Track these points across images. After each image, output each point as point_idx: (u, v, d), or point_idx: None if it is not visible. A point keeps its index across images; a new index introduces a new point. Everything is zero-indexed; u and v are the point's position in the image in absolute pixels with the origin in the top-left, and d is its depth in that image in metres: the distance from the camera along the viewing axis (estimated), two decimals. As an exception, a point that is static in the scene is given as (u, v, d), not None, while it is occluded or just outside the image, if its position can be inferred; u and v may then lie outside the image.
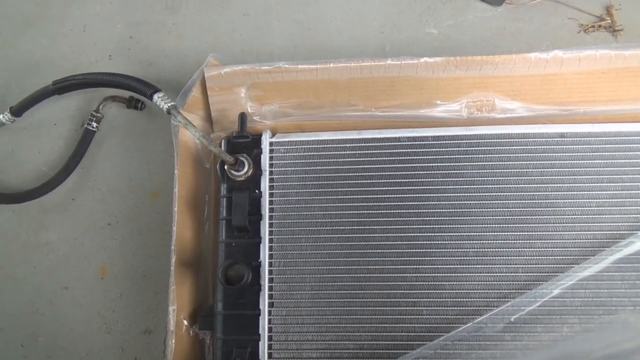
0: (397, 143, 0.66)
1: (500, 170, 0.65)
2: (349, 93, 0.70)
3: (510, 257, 0.62)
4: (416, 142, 0.66)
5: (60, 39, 0.88)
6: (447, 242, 0.63)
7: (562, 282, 0.60)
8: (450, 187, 0.65)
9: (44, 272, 0.77)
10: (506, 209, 0.63)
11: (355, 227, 0.65)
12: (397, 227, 0.64)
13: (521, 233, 0.63)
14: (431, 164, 0.65)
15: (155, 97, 0.69)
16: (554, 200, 0.63)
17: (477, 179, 0.65)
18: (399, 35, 0.84)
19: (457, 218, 0.64)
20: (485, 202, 0.64)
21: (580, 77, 0.67)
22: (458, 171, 0.65)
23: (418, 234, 0.64)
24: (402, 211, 0.64)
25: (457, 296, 0.62)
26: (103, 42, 0.87)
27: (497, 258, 0.62)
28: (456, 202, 0.64)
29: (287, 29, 0.86)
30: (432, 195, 0.65)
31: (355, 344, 0.62)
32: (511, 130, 0.66)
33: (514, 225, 0.63)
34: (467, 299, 0.62)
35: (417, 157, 0.66)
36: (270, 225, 0.65)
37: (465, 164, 0.65)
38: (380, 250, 0.64)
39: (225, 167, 0.67)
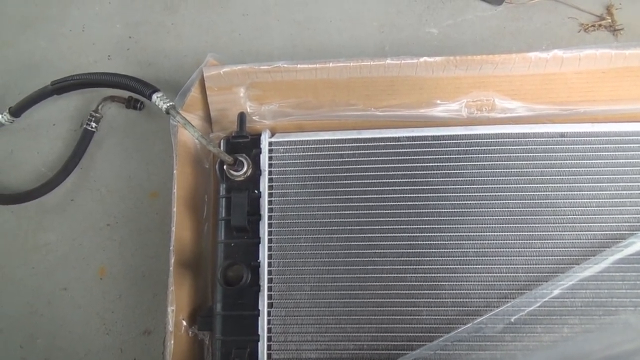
0: (396, 143, 0.66)
1: (500, 170, 0.64)
2: (348, 93, 0.70)
3: (510, 257, 0.62)
4: (416, 142, 0.66)
5: (59, 39, 0.88)
6: (447, 242, 0.63)
7: (563, 283, 0.60)
8: (450, 187, 0.64)
9: (42, 273, 0.77)
10: (506, 209, 0.63)
11: (355, 227, 0.64)
12: (397, 227, 0.64)
13: (521, 233, 0.62)
14: (431, 164, 0.65)
15: (154, 97, 0.69)
16: (554, 200, 0.63)
17: (477, 178, 0.64)
18: (399, 34, 0.84)
19: (457, 218, 0.64)
20: (485, 202, 0.64)
21: (580, 77, 0.67)
22: (458, 171, 0.65)
23: (418, 234, 0.64)
24: (401, 211, 0.64)
25: (457, 296, 0.62)
26: (102, 43, 0.87)
27: (497, 258, 0.62)
28: (456, 202, 0.64)
29: (286, 28, 0.86)
30: (431, 195, 0.64)
31: (354, 345, 0.62)
32: (511, 130, 0.66)
33: (514, 225, 0.63)
34: (467, 299, 0.61)
35: (417, 157, 0.66)
36: (270, 225, 0.65)
37: (465, 163, 0.65)
38: (379, 251, 0.64)
39: (225, 167, 0.66)
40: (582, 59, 0.65)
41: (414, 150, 0.66)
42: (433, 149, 0.66)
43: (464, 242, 0.63)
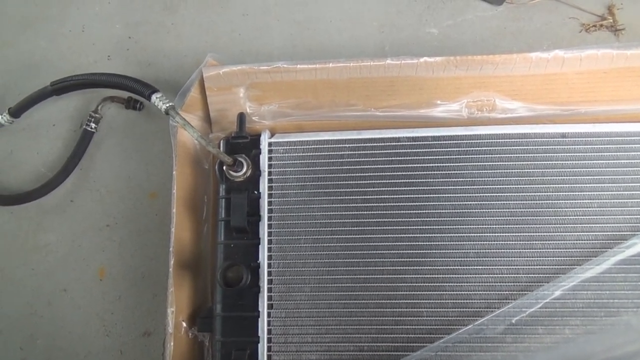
0: (396, 143, 0.66)
1: (500, 171, 0.64)
2: (348, 93, 0.70)
3: (511, 258, 0.62)
4: (416, 143, 0.66)
5: (59, 39, 0.88)
6: (447, 243, 0.63)
7: (564, 284, 0.60)
8: (450, 187, 0.64)
9: (42, 274, 0.77)
10: (507, 210, 0.63)
11: (355, 228, 0.64)
12: (397, 228, 0.64)
13: (522, 234, 0.62)
14: (431, 165, 0.65)
15: (154, 97, 0.68)
16: (555, 201, 0.63)
17: (478, 179, 0.64)
18: (399, 34, 0.84)
19: (458, 219, 0.63)
20: (485, 202, 0.63)
21: (581, 77, 0.67)
22: (458, 172, 0.64)
23: (418, 235, 0.63)
24: (401, 212, 0.64)
25: (457, 297, 0.61)
26: (102, 43, 0.87)
27: (497, 259, 0.62)
28: (456, 203, 0.64)
29: (286, 29, 0.85)
30: (432, 196, 0.64)
31: (355, 346, 0.62)
32: (512, 130, 0.65)
33: (515, 226, 0.62)
34: (467, 301, 0.61)
35: (417, 158, 0.65)
36: (269, 226, 0.65)
37: (466, 164, 0.65)
38: (380, 251, 0.63)
39: (224, 167, 0.66)
40: (583, 59, 0.65)
41: (414, 150, 0.66)
42: (433, 150, 0.65)
43: (465, 242, 0.63)
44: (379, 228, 0.64)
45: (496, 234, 0.62)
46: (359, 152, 0.66)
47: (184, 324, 0.66)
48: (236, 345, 0.62)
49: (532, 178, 0.64)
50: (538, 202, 0.63)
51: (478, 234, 0.63)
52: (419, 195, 0.64)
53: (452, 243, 0.63)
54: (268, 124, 0.72)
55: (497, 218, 0.63)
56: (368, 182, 0.65)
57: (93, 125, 0.80)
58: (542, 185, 0.63)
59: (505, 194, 0.63)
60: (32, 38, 0.88)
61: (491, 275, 0.62)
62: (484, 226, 0.63)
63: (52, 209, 0.79)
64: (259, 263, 0.64)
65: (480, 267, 0.62)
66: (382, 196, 0.65)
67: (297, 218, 0.65)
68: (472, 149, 0.65)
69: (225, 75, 0.69)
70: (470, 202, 0.64)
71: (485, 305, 0.61)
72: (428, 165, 0.65)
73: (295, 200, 0.65)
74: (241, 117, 0.69)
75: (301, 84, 0.69)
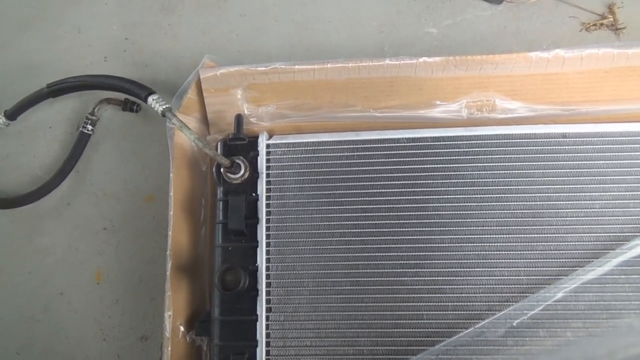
0: (396, 144, 0.66)
1: (501, 172, 0.64)
2: (347, 94, 0.69)
3: (512, 260, 0.61)
4: (415, 144, 0.65)
5: (55, 41, 0.87)
6: (447, 244, 0.62)
7: (566, 286, 0.59)
8: (450, 188, 0.64)
9: (39, 278, 0.77)
10: (507, 211, 0.63)
11: (354, 230, 0.64)
12: (397, 229, 0.63)
13: (523, 235, 0.62)
14: (431, 166, 0.64)
15: (150, 99, 0.68)
16: (556, 202, 0.62)
17: (478, 180, 0.64)
18: (398, 34, 0.83)
19: (458, 220, 0.63)
20: (486, 204, 0.63)
21: (582, 77, 0.66)
22: (458, 172, 0.64)
23: (418, 237, 0.63)
24: (401, 214, 0.64)
25: (458, 300, 0.61)
26: (98, 44, 0.87)
27: (498, 261, 0.61)
28: (456, 204, 0.63)
29: (284, 29, 0.85)
30: (431, 197, 0.64)
31: (354, 350, 0.61)
32: (512, 130, 0.65)
33: (516, 227, 0.62)
34: (468, 303, 0.61)
35: (417, 159, 0.65)
36: (268, 228, 0.64)
37: (466, 165, 0.64)
38: (379, 254, 0.63)
39: (222, 170, 0.66)
40: (584, 59, 0.65)
41: (414, 151, 0.65)
42: (433, 151, 0.65)
43: (465, 244, 0.62)
44: (379, 230, 0.63)
45: (497, 236, 0.62)
46: (358, 153, 0.66)
47: (182, 328, 0.65)
48: (234, 350, 0.62)
49: (532, 179, 0.63)
50: (539, 203, 0.62)
51: (478, 235, 0.62)
52: (419, 197, 0.64)
53: (452, 245, 0.62)
54: (266, 125, 0.71)
55: (498, 219, 0.62)
56: (367, 183, 0.65)
57: (90, 127, 0.79)
58: (542, 186, 0.63)
59: (506, 195, 0.63)
60: (28, 39, 0.88)
61: (492, 277, 0.61)
62: (485, 227, 0.62)
63: (49, 212, 0.79)
64: (257, 266, 0.63)
65: (480, 269, 0.61)
66: (382, 198, 0.64)
67: (295, 220, 0.64)
68: (471, 149, 0.65)
69: (223, 76, 0.68)
70: (470, 204, 0.63)
71: (486, 308, 0.60)
72: (427, 166, 0.64)
73: (294, 202, 0.65)
74: (239, 119, 0.69)
75: (299, 84, 0.69)
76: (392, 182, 0.64)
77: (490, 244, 0.62)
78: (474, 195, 0.63)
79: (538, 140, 0.64)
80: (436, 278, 0.62)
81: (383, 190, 0.64)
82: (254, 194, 0.66)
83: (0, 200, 0.78)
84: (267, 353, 0.61)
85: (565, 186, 0.63)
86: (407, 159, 0.65)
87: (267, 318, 0.62)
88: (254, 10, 0.86)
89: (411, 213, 0.63)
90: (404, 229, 0.63)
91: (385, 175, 0.65)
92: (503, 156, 0.64)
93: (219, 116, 0.72)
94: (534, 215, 0.62)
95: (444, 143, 0.65)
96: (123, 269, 0.76)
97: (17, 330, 0.75)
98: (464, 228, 0.63)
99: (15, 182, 0.81)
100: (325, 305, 0.62)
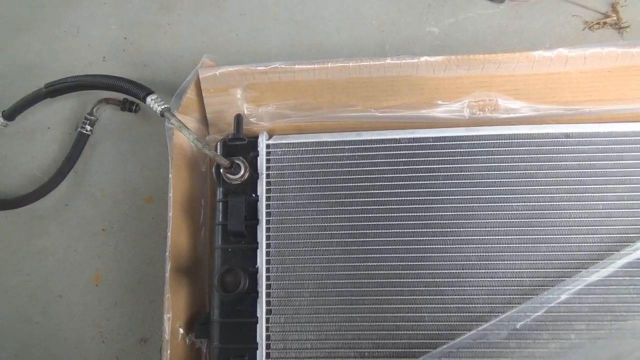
0: (397, 144, 0.65)
1: (503, 172, 0.63)
2: (347, 93, 0.69)
3: (515, 262, 0.61)
4: (417, 144, 0.65)
5: (53, 41, 0.87)
6: (449, 246, 0.62)
7: (569, 288, 0.59)
8: (452, 189, 0.63)
9: (37, 280, 0.76)
10: (510, 212, 0.62)
11: (355, 232, 0.63)
12: (398, 231, 0.63)
13: (526, 237, 0.61)
14: (432, 166, 0.64)
15: (149, 99, 0.67)
16: (560, 203, 0.62)
17: (480, 180, 0.63)
18: (399, 34, 0.83)
19: (460, 221, 0.62)
20: (488, 204, 0.63)
21: (585, 76, 0.66)
22: (460, 173, 0.63)
23: (419, 238, 0.62)
24: (402, 214, 0.63)
25: (460, 302, 0.60)
26: (97, 44, 0.86)
27: (501, 262, 0.61)
28: (458, 205, 0.63)
29: (284, 28, 0.84)
30: (433, 198, 0.63)
31: (356, 352, 0.61)
32: (514, 130, 0.64)
33: (518, 228, 0.62)
34: (470, 305, 0.60)
35: (418, 159, 0.64)
36: (268, 230, 0.64)
37: (468, 165, 0.64)
38: (380, 255, 0.62)
39: (221, 170, 0.65)
40: (587, 58, 0.64)
41: (415, 152, 0.65)
42: (434, 151, 0.64)
43: (467, 246, 0.62)
44: (380, 231, 0.63)
45: (499, 237, 0.62)
46: (359, 153, 0.65)
47: (181, 331, 0.65)
48: (234, 352, 0.61)
49: (535, 179, 0.63)
50: (542, 204, 0.62)
51: (481, 237, 0.62)
52: (420, 198, 0.63)
53: (454, 246, 0.62)
54: (266, 125, 0.71)
55: (500, 220, 0.62)
56: (368, 184, 0.64)
57: (88, 127, 0.79)
58: (545, 187, 0.62)
59: (508, 196, 0.62)
60: (27, 40, 0.87)
61: (494, 279, 0.61)
62: (487, 229, 0.62)
63: (47, 214, 0.78)
64: (257, 268, 0.63)
65: (483, 271, 0.61)
66: (383, 199, 0.64)
67: (295, 222, 0.64)
68: (473, 150, 0.64)
69: (222, 76, 0.68)
70: (473, 204, 0.63)
71: (489, 310, 0.60)
72: (429, 167, 0.64)
73: (294, 203, 0.64)
74: (238, 119, 0.68)
75: (299, 84, 0.68)
76: (393, 183, 0.64)
77: (493, 245, 0.61)
78: (476, 196, 0.63)
79: (541, 140, 0.64)
80: (438, 280, 0.61)
81: (384, 191, 0.64)
82: (254, 195, 0.65)
83: (-2, 201, 0.78)
84: (268, 355, 0.61)
85: (569, 187, 0.62)
86: (408, 160, 0.65)
87: (267, 320, 0.62)
88: (253, 9, 0.86)
89: (413, 214, 0.63)
90: (405, 230, 0.63)
91: (386, 175, 0.64)
92: (505, 156, 0.64)
93: (218, 116, 0.71)
94: (537, 216, 0.62)
95: (445, 143, 0.64)
96: (122, 270, 0.75)
97: (15, 332, 0.74)
98: (466, 229, 0.62)
99: (13, 183, 0.81)
100: (326, 307, 0.62)
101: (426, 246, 0.62)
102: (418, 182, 0.64)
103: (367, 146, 0.65)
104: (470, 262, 0.61)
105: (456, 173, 0.63)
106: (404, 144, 0.65)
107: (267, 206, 0.65)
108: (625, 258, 0.59)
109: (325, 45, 0.83)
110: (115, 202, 0.78)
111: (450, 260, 0.61)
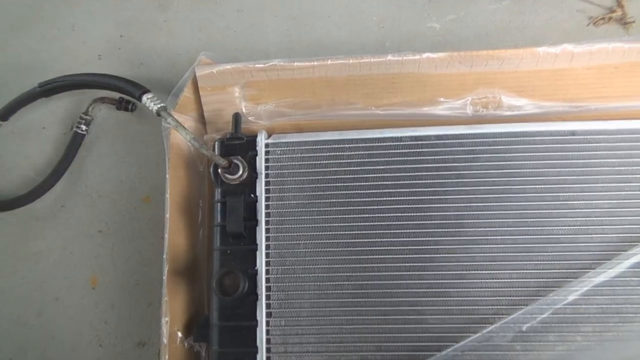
0: (398, 143, 0.64)
1: (507, 171, 0.62)
2: (347, 91, 0.68)
3: (520, 263, 0.60)
4: (419, 142, 0.64)
5: (48, 39, 0.86)
6: (453, 246, 0.61)
7: (576, 289, 0.58)
8: (454, 188, 0.62)
9: (33, 283, 0.75)
10: (514, 211, 0.61)
11: (356, 232, 0.62)
12: (400, 231, 0.62)
13: (531, 236, 0.60)
14: (434, 165, 0.63)
15: (144, 98, 0.66)
16: (565, 202, 0.61)
17: (483, 179, 0.62)
18: (400, 30, 0.82)
19: (463, 221, 0.61)
20: (491, 204, 0.62)
21: (591, 72, 0.65)
22: (463, 172, 0.63)
23: (422, 238, 0.61)
24: (404, 214, 0.62)
25: (464, 304, 0.59)
26: (92, 42, 0.85)
27: (506, 263, 0.60)
28: (461, 204, 0.62)
29: (283, 25, 0.83)
30: (435, 197, 0.62)
31: (358, 356, 0.60)
32: (519, 128, 0.63)
33: (523, 228, 0.61)
34: (475, 307, 0.59)
35: (420, 158, 0.63)
36: (267, 231, 0.63)
37: (471, 164, 0.63)
38: (382, 256, 0.61)
39: (219, 170, 0.64)
40: (593, 54, 0.63)
41: (417, 150, 0.64)
42: (436, 149, 0.63)
43: (471, 246, 0.61)
44: (381, 232, 0.62)
45: (504, 237, 0.61)
46: (360, 152, 0.64)
47: (180, 334, 0.64)
48: (234, 356, 0.61)
49: (540, 178, 0.62)
50: (547, 203, 0.61)
51: (485, 237, 0.61)
52: (422, 197, 0.62)
53: (458, 247, 0.61)
54: (265, 124, 0.70)
55: (504, 220, 0.61)
56: (369, 183, 0.63)
57: (84, 127, 0.78)
58: (550, 186, 0.61)
59: (512, 195, 0.61)
60: (22, 38, 0.86)
61: (499, 280, 0.60)
62: (491, 228, 0.61)
63: (42, 215, 0.78)
64: (257, 270, 0.62)
65: (487, 272, 0.60)
66: (384, 198, 0.63)
67: (295, 222, 0.63)
68: (477, 148, 0.63)
69: (219, 74, 0.67)
70: (476, 204, 0.62)
71: (494, 312, 0.59)
72: (431, 165, 0.63)
73: (294, 203, 0.64)
74: (236, 118, 0.67)
75: (299, 82, 0.67)
76: (394, 182, 0.63)
77: (497, 246, 0.60)
78: (479, 195, 0.62)
79: (546, 138, 0.63)
80: (441, 281, 0.60)
81: (385, 190, 0.63)
82: (252, 195, 0.64)
83: (-8, 203, 0.77)
84: (268, 359, 0.60)
85: (574, 185, 0.61)
86: (410, 158, 0.64)
87: (268, 323, 0.61)
88: (251, 5, 0.85)
89: (415, 214, 0.62)
90: (407, 230, 0.62)
91: (387, 174, 0.63)
92: (509, 155, 0.63)
93: (216, 115, 0.71)
94: (542, 216, 0.61)
95: (448, 142, 0.63)
96: (119, 273, 0.74)
97: (10, 335, 0.73)
98: (469, 229, 0.61)
99: (7, 184, 0.80)
100: (327, 310, 0.61)
101: (429, 247, 0.61)
102: (420, 182, 0.63)
103: (368, 145, 0.64)
104: (475, 263, 0.60)
105: (459, 172, 0.62)
106: (406, 143, 0.64)
107: (267, 206, 0.64)
108: (633, 258, 0.58)
109: (324, 42, 0.82)
110: (112, 202, 0.77)
111: (454, 261, 0.60)
